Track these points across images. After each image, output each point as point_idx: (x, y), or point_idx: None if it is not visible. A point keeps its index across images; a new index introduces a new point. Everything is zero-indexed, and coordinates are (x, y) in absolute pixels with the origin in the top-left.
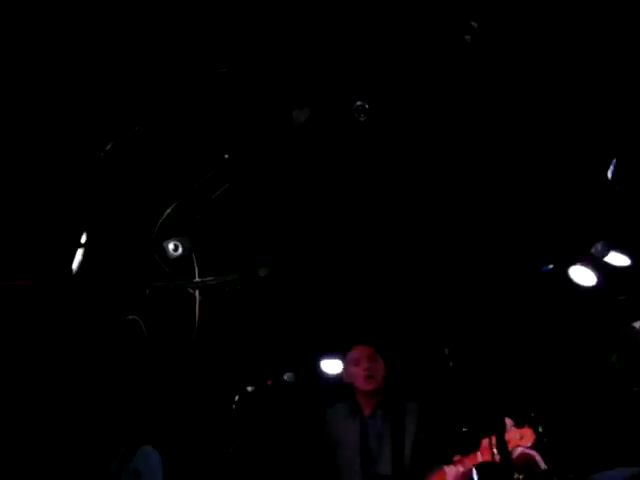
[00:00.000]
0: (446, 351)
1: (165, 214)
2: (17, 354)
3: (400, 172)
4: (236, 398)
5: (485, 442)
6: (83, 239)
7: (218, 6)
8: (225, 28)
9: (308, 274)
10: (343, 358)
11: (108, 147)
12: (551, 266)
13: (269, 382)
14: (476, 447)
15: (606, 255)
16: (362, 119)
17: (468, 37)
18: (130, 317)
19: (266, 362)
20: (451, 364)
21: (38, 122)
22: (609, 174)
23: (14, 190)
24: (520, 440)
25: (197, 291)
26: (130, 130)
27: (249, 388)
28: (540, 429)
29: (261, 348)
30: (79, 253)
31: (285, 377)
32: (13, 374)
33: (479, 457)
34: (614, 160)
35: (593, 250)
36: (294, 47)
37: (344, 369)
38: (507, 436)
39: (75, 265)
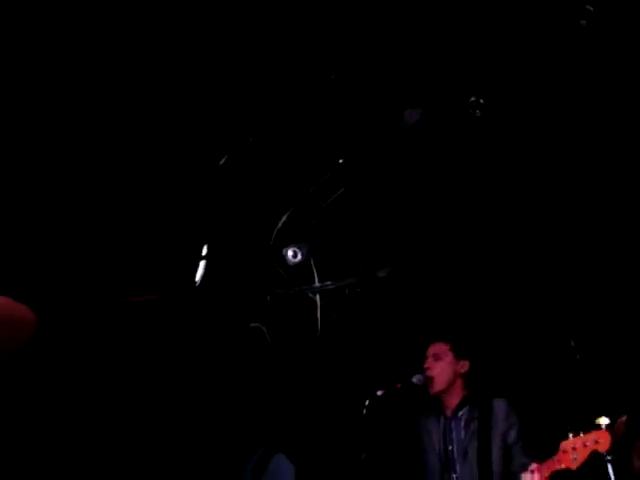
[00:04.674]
0: (572, 343)
1: (281, 221)
2: (147, 367)
3: (515, 172)
4: (366, 403)
5: (564, 445)
6: (204, 251)
7: (323, 14)
8: (332, 33)
9: (426, 273)
10: None
11: (223, 160)
12: None
13: (398, 385)
14: (554, 452)
15: None
16: (477, 115)
17: (584, 22)
18: (253, 325)
19: (393, 364)
20: (578, 357)
21: (154, 141)
22: None
23: (136, 208)
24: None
25: (318, 296)
26: (244, 141)
27: (379, 392)
28: None
29: (386, 350)
30: (201, 265)
31: (414, 379)
32: (144, 384)
33: (557, 464)
34: None
35: None
36: (404, 47)
37: None
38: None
39: (198, 277)
